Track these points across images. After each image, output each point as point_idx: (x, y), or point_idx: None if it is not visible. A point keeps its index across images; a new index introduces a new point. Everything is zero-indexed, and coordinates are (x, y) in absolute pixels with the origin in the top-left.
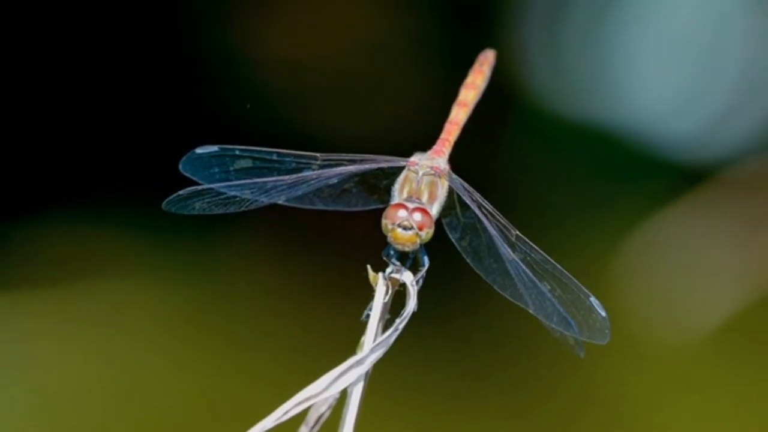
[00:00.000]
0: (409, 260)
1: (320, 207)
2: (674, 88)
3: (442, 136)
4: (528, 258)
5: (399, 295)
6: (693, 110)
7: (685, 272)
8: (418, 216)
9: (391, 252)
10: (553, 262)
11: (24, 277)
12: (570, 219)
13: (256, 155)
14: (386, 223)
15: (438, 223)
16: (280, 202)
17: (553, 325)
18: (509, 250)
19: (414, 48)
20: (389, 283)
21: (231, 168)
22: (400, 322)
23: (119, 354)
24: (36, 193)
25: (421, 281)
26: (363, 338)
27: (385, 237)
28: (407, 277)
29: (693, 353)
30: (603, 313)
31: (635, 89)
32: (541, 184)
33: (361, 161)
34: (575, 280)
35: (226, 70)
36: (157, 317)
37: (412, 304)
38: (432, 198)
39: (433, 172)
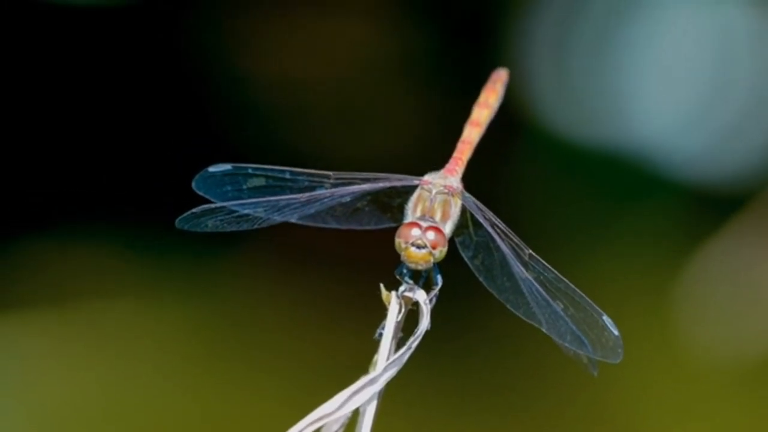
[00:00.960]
0: (422, 279)
1: (333, 225)
2: (681, 108)
3: (455, 155)
4: (541, 277)
5: (412, 314)
6: (700, 129)
7: (713, 299)
8: (431, 235)
9: (404, 270)
10: (565, 280)
11: (25, 296)
12: (580, 238)
13: (269, 174)
14: (400, 241)
15: (451, 242)
16: (292, 220)
17: (567, 344)
18: (522, 268)
19: (417, 67)
20: (402, 302)
21: (244, 186)
22: (413, 341)
23: (121, 373)
24: (37, 211)
25: (434, 300)
26: (376, 357)
27: (397, 255)
28: (420, 295)
29: (712, 379)
30: (616, 332)
31: (642, 109)
32: (550, 204)
33: (374, 180)
34: (588, 298)
35: (227, 90)
36: (160, 336)
37: (425, 323)
38: (445, 217)
39: (446, 190)
